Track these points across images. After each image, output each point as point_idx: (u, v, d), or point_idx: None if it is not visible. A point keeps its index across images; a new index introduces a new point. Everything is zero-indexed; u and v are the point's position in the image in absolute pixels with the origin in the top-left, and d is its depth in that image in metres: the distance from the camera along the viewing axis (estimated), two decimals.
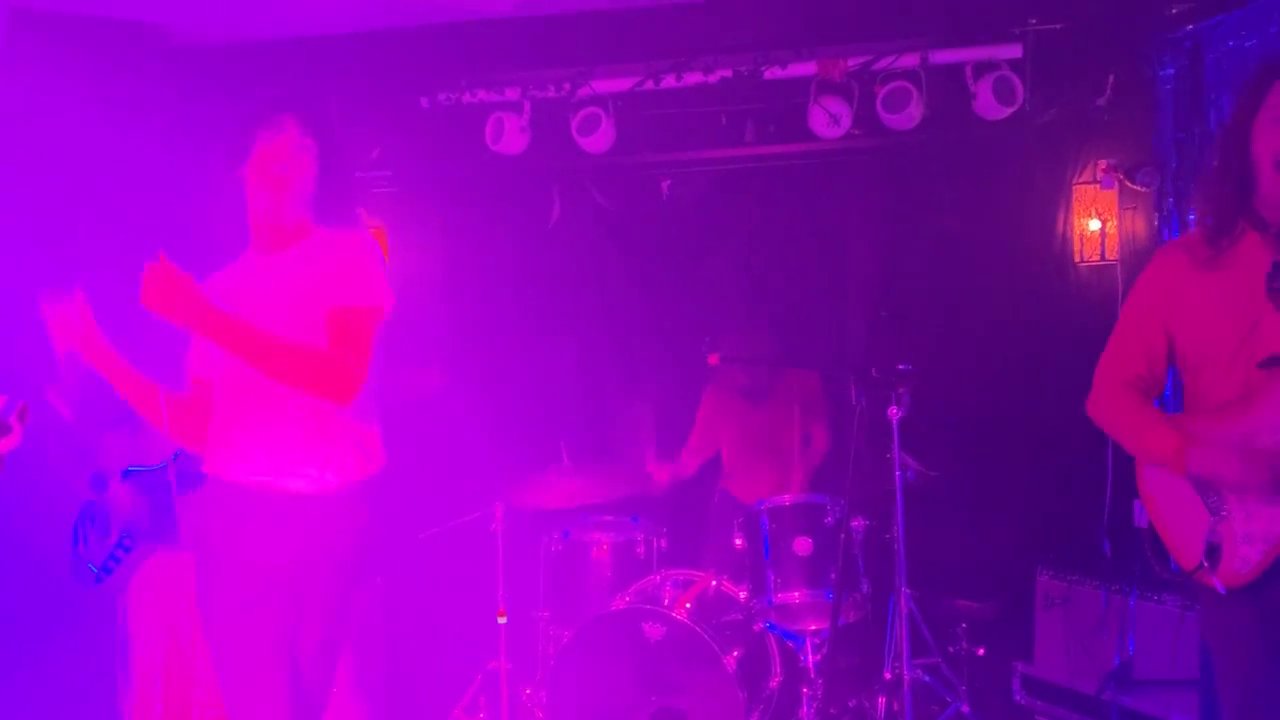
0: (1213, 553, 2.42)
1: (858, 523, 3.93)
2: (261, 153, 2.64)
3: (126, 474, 3.67)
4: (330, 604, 2.58)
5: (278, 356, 2.49)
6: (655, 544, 4.23)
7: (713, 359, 4.17)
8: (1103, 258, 4.53)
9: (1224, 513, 2.43)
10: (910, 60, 4.43)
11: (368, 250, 2.63)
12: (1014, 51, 4.36)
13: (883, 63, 4.45)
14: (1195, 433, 2.45)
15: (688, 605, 3.84)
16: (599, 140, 4.68)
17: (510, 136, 4.73)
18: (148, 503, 3.66)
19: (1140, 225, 4.48)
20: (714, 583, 4.02)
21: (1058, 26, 4.35)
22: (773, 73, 4.53)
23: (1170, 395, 2.94)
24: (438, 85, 4.74)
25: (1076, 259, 4.58)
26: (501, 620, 3.99)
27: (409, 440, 4.04)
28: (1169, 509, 2.53)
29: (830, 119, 4.47)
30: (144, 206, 4.20)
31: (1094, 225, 4.53)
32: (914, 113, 4.43)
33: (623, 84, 4.65)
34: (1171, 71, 4.29)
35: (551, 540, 4.23)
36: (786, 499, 3.99)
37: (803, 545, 3.88)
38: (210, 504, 2.64)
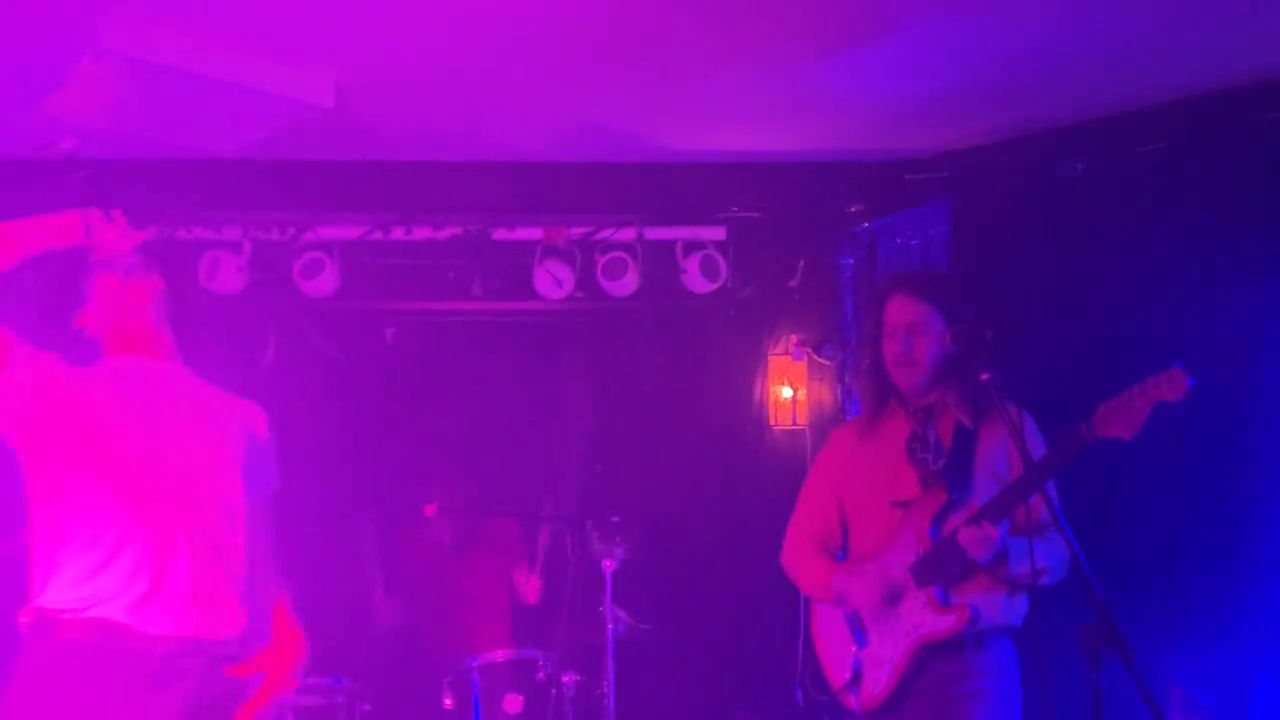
0: (856, 677, 2.88)
1: (569, 677, 3.95)
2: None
3: None
4: None
5: None
6: (358, 708, 3.96)
7: (429, 509, 4.16)
8: (794, 423, 4.93)
9: (866, 642, 2.88)
10: (628, 234, 4.76)
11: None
12: (719, 233, 4.79)
13: (603, 234, 4.76)
14: (845, 568, 2.98)
15: None
16: (322, 284, 4.65)
17: (226, 275, 4.61)
18: None
19: (826, 394, 4.94)
20: None
21: (756, 215, 4.83)
22: (501, 234, 4.72)
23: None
24: (152, 219, 4.56)
25: (771, 423, 4.97)
26: None
27: None
28: (827, 638, 3.03)
29: (554, 281, 4.69)
30: None
31: (786, 393, 4.95)
32: (630, 281, 4.73)
33: (350, 232, 4.68)
34: (851, 260, 4.87)
35: None
36: (498, 655, 3.97)
37: (513, 703, 3.86)
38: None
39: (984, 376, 2.65)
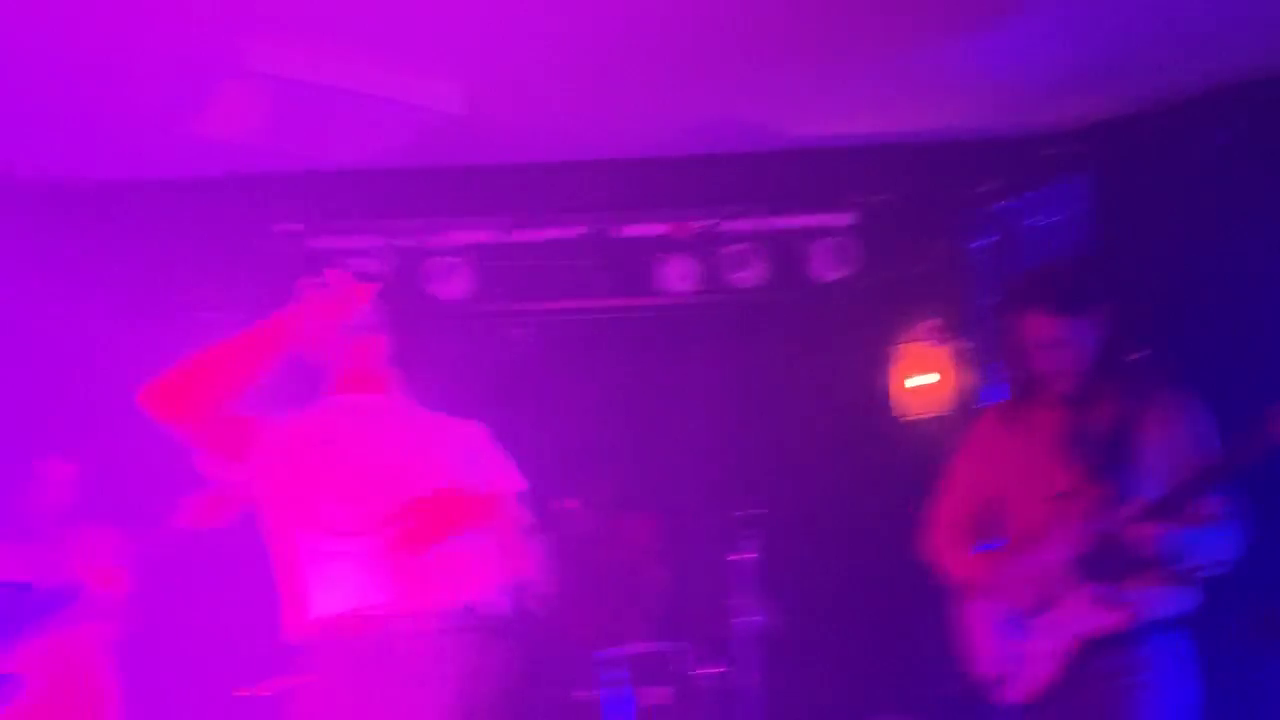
0: (1008, 670, 2.79)
1: (706, 670, 3.95)
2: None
3: None
4: None
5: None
6: None
7: (569, 504, 4.20)
8: (930, 412, 4.82)
9: (1020, 635, 2.77)
10: (753, 224, 4.71)
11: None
12: (848, 219, 4.70)
13: (728, 225, 4.72)
14: (997, 559, 2.86)
15: None
16: (454, 288, 4.74)
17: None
18: None
19: (963, 382, 4.80)
20: None
21: (886, 198, 4.72)
22: (625, 231, 4.74)
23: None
24: (293, 231, 4.73)
25: (906, 412, 4.86)
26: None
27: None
28: (977, 629, 2.93)
29: (678, 276, 4.68)
30: None
31: (922, 381, 4.83)
32: (756, 272, 4.68)
33: (479, 235, 4.76)
34: (986, 242, 4.71)
35: None
36: (637, 646, 3.99)
37: (650, 694, 3.87)
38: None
39: (1135, 357, 2.52)
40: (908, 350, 4.86)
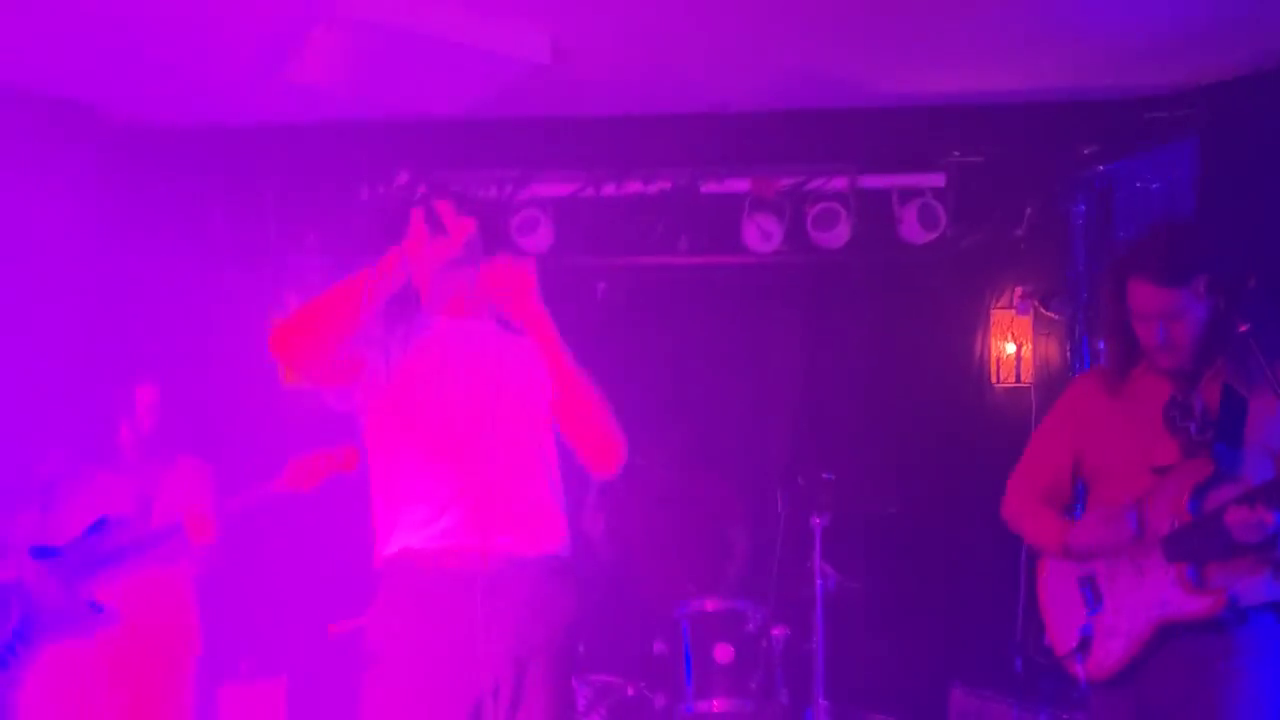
0: (1084, 644, 2.69)
1: (778, 631, 3.94)
2: None
3: (35, 553, 3.53)
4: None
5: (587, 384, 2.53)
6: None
7: (647, 460, 4.21)
8: (1018, 380, 4.71)
9: (1099, 608, 2.69)
10: (840, 183, 4.62)
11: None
12: (938, 180, 4.58)
13: (814, 184, 4.64)
14: (1085, 529, 2.75)
15: (603, 713, 3.79)
16: (538, 241, 4.75)
17: None
18: (47, 590, 3.52)
19: (1053, 351, 4.68)
20: (631, 690, 3.97)
21: (979, 160, 4.59)
22: (709, 187, 4.68)
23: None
24: (379, 178, 4.79)
25: (993, 380, 4.75)
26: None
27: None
28: (1054, 599, 2.83)
29: (762, 234, 4.62)
30: (68, 281, 4.16)
31: (1010, 349, 4.72)
32: (842, 232, 4.60)
33: (564, 189, 4.76)
34: (1083, 207, 4.56)
35: None
36: (709, 604, 3.99)
37: (723, 652, 3.87)
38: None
39: (1243, 328, 2.40)
40: (997, 317, 4.74)
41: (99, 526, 3.55)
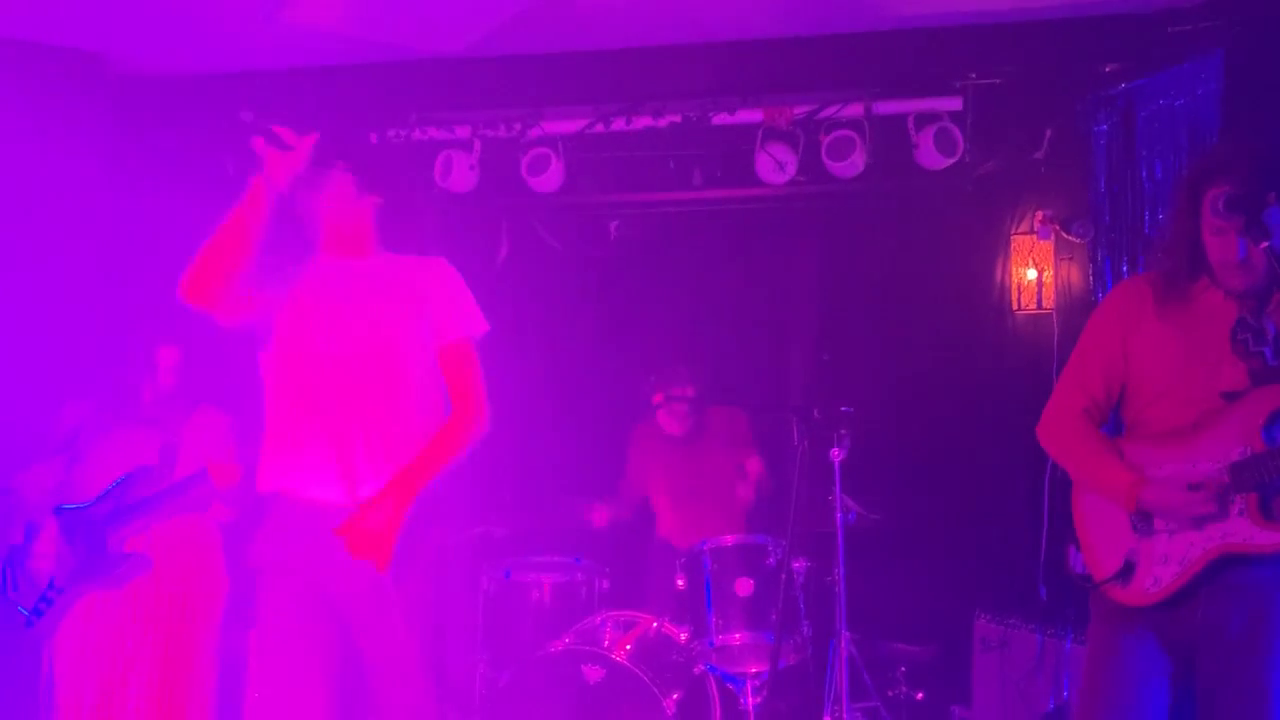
0: (1128, 570, 2.60)
1: (799, 564, 3.94)
2: None
3: (58, 511, 3.58)
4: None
5: (451, 461, 2.67)
6: (597, 585, 4.21)
7: (657, 397, 4.19)
8: (1039, 306, 4.63)
9: (1150, 532, 2.58)
10: (854, 110, 4.52)
11: (458, 279, 2.79)
12: (954, 104, 4.47)
13: (827, 111, 4.54)
14: (1141, 464, 2.60)
15: (628, 647, 3.82)
16: (548, 180, 4.71)
17: (459, 174, 4.75)
18: (79, 541, 3.57)
19: (1076, 276, 4.59)
20: (655, 624, 4.00)
21: (997, 81, 4.47)
22: (720, 119, 4.60)
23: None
24: (387, 121, 4.74)
25: (1014, 307, 4.68)
26: None
27: None
28: (1095, 521, 2.69)
29: (776, 165, 4.55)
30: (80, 232, 4.17)
31: (1031, 275, 4.64)
32: (857, 161, 4.51)
33: (573, 125, 4.69)
34: (1105, 127, 4.43)
35: (492, 580, 4.19)
36: (729, 539, 4.00)
37: (744, 586, 3.88)
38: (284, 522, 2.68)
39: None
40: (1017, 242, 4.65)
41: (127, 479, 3.59)
